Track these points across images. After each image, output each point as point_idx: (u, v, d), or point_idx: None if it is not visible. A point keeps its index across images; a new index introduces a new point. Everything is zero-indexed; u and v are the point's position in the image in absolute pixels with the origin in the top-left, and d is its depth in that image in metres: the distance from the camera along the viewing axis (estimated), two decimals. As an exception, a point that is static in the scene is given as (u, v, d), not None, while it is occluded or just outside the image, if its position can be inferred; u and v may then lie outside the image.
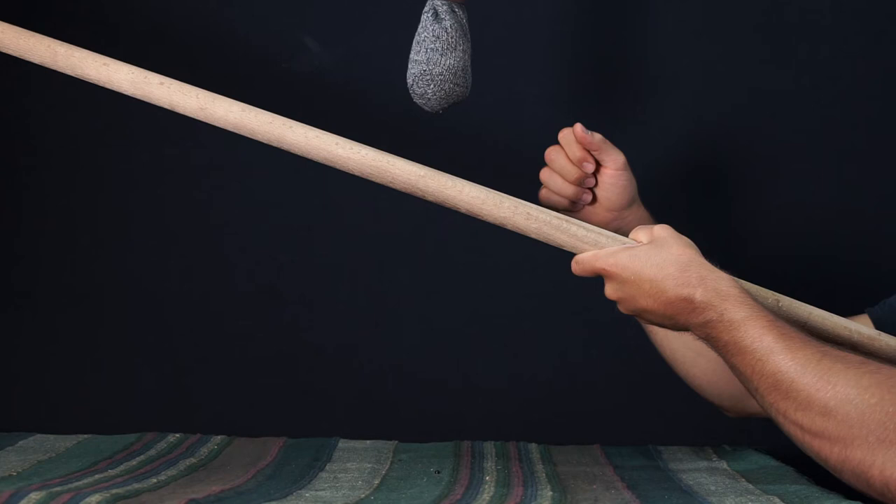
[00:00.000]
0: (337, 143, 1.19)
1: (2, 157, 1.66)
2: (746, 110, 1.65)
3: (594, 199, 1.35)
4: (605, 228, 1.30)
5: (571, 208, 1.34)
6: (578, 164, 1.31)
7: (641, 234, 1.17)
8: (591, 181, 1.34)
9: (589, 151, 1.31)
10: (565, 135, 1.32)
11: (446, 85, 1.32)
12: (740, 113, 1.65)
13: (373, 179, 1.19)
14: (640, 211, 1.36)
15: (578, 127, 1.31)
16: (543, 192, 1.35)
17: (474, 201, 1.18)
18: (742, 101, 1.64)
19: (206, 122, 1.21)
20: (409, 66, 1.34)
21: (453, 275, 1.66)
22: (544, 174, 1.34)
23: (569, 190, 1.33)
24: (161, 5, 1.63)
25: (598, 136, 1.31)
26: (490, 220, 1.18)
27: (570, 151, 1.31)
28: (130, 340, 1.66)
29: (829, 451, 1.00)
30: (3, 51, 1.25)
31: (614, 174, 1.33)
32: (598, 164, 1.33)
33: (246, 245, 1.66)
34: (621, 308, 1.17)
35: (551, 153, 1.33)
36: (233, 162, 1.65)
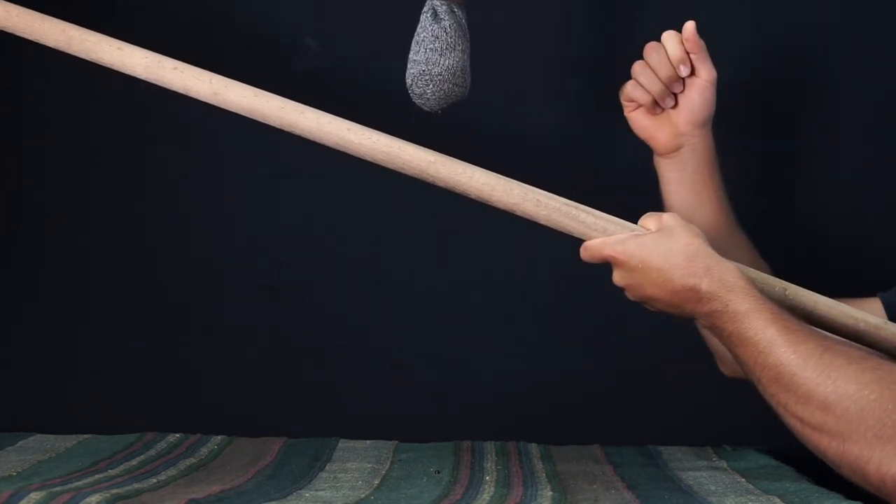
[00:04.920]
0: (349, 129, 1.19)
1: (1, 157, 1.66)
2: (749, 108, 1.65)
3: (675, 106, 1.35)
4: (677, 144, 1.34)
5: (651, 109, 1.35)
6: (676, 64, 1.31)
7: (650, 221, 1.17)
8: (679, 87, 1.33)
9: (688, 56, 1.32)
10: (670, 35, 1.32)
11: (445, 85, 1.32)
12: (743, 110, 1.65)
13: (384, 165, 1.19)
14: (709, 138, 1.36)
15: (692, 23, 1.31)
16: (629, 86, 1.35)
17: (484, 188, 1.18)
18: (745, 98, 1.64)
19: (219, 106, 1.21)
20: (409, 65, 1.34)
21: (454, 274, 1.66)
22: (637, 66, 1.34)
23: (657, 87, 1.33)
24: (160, 7, 1.62)
25: (702, 42, 1.31)
26: (500, 206, 1.18)
27: (671, 50, 1.31)
28: (130, 340, 1.66)
29: (827, 445, 1.00)
30: (19, 34, 1.25)
31: (704, 84, 1.33)
32: (691, 74, 1.33)
33: (246, 245, 1.66)
34: (628, 295, 1.17)
35: (650, 48, 1.33)
36: (233, 162, 1.65)
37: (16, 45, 1.29)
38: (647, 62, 1.33)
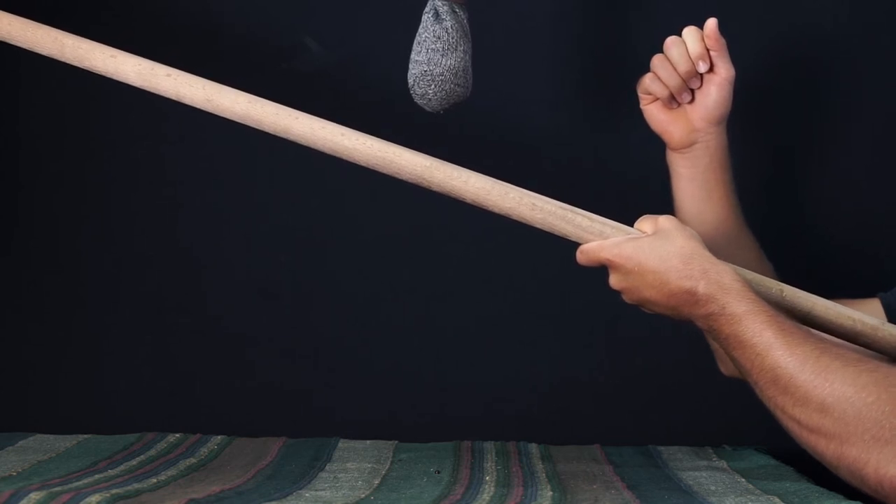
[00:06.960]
0: (343, 134, 1.19)
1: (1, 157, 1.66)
2: (753, 105, 1.64)
3: (692, 102, 1.35)
4: (691, 140, 1.35)
5: (667, 103, 1.35)
6: (696, 59, 1.32)
7: (646, 224, 1.17)
8: (697, 83, 1.34)
9: (708, 53, 1.32)
10: (691, 30, 1.33)
11: (447, 85, 1.32)
12: (746, 108, 1.65)
13: (379, 170, 1.19)
14: (723, 136, 1.36)
15: (714, 20, 1.31)
16: (647, 79, 1.35)
17: (480, 192, 1.18)
18: (748, 96, 1.64)
19: (213, 112, 1.21)
20: (410, 66, 1.34)
21: (454, 275, 1.66)
22: (656, 60, 1.34)
23: (675, 81, 1.33)
24: (159, 5, 1.62)
25: (723, 40, 1.32)
26: (496, 210, 1.19)
27: (691, 46, 1.32)
28: (130, 340, 1.66)
29: (825, 448, 1.00)
30: (11, 43, 1.25)
31: (722, 82, 1.33)
32: (710, 70, 1.34)
33: (246, 245, 1.66)
34: (625, 298, 1.17)
35: (671, 42, 1.33)
36: (233, 162, 1.65)
37: (11, 48, 1.29)
38: (666, 56, 1.34)
